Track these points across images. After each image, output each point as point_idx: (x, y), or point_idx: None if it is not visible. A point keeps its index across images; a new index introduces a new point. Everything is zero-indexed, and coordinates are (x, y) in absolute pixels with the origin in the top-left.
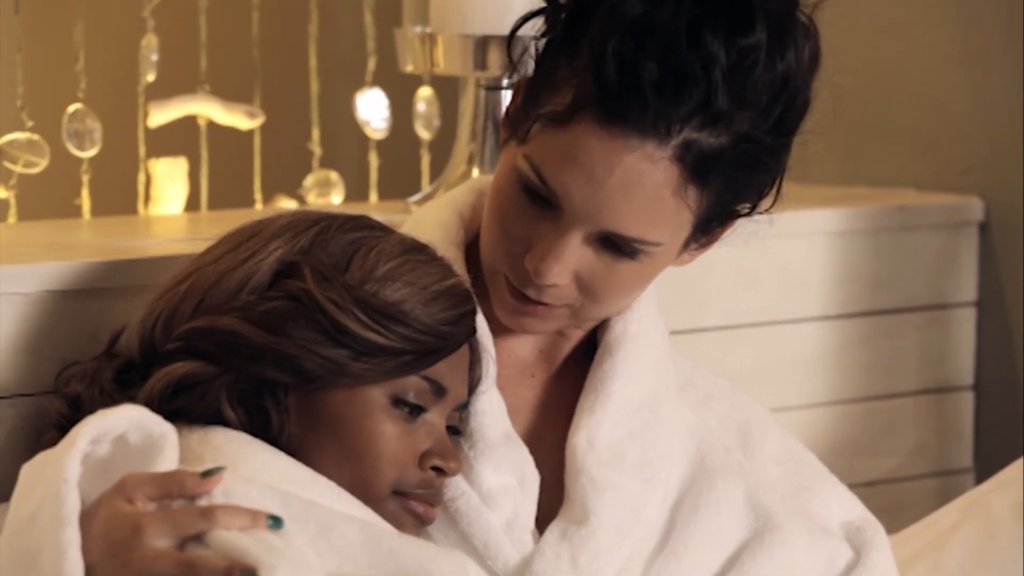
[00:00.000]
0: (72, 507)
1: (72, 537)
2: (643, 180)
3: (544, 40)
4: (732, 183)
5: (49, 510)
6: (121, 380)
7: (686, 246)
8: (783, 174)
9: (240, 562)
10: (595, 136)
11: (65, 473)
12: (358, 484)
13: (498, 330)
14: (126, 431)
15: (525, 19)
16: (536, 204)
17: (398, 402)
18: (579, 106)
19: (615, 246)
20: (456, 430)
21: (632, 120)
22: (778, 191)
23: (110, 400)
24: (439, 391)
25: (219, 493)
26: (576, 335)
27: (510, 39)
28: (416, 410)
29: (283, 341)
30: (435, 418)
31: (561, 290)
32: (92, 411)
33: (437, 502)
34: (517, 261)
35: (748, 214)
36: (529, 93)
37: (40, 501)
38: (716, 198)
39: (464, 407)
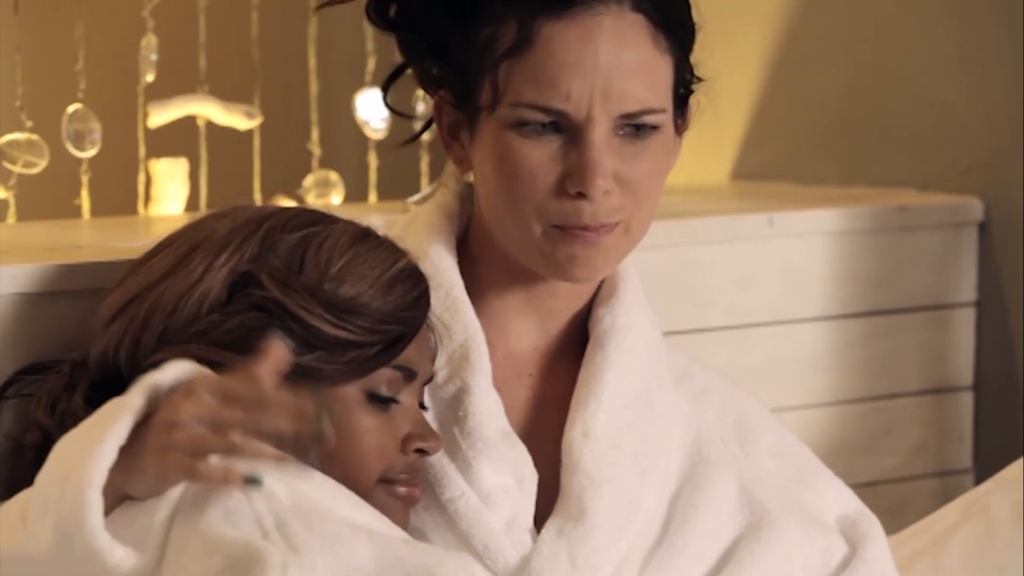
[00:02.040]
0: (131, 413)
1: (123, 428)
2: (625, 41)
3: (425, 57)
4: (682, 29)
5: (110, 411)
6: (92, 400)
7: (677, 130)
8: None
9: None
10: (564, 30)
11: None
12: (346, 481)
13: (494, 330)
14: None
15: (392, 79)
16: (547, 140)
17: (373, 397)
18: (530, 21)
19: (633, 128)
20: (423, 406)
21: None
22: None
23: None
24: (410, 376)
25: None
26: (568, 322)
27: (386, 95)
28: (392, 402)
29: (252, 356)
30: (408, 400)
31: (612, 198)
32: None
33: (419, 481)
34: (561, 200)
35: (691, 89)
36: (465, 71)
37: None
38: (678, 50)
39: (430, 381)
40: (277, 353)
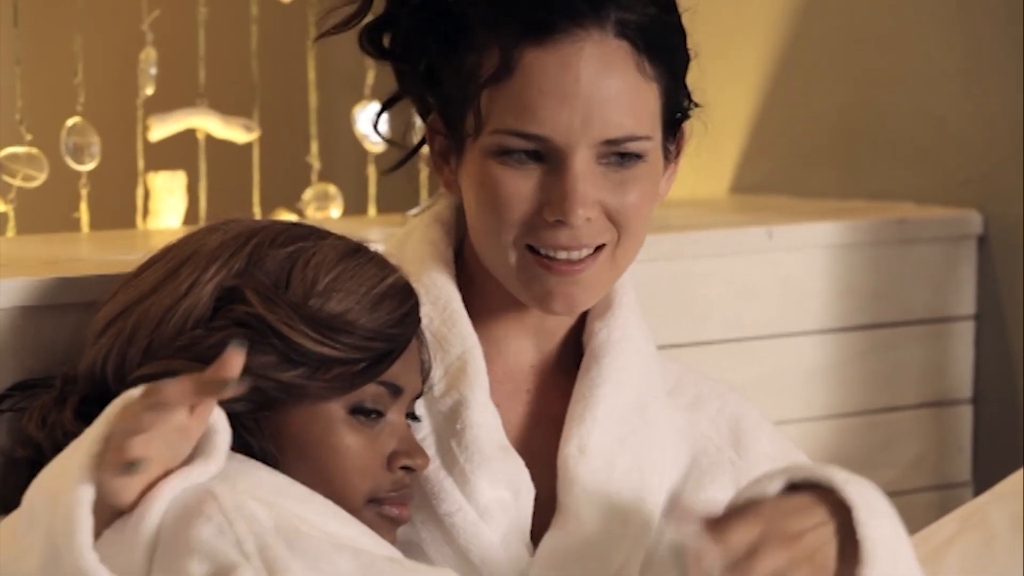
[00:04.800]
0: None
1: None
2: (607, 67)
3: (415, 80)
4: (671, 56)
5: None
6: (82, 413)
7: (667, 158)
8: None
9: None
10: (544, 57)
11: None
12: (333, 500)
13: (492, 346)
14: None
15: (387, 107)
16: (528, 169)
17: (357, 411)
18: (512, 48)
19: (617, 156)
20: (414, 416)
21: (564, 20)
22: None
23: (74, 438)
24: (396, 391)
25: (231, 507)
26: (563, 337)
27: (376, 122)
28: (376, 415)
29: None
30: (395, 417)
31: (594, 225)
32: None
33: (409, 499)
34: (542, 227)
35: (687, 113)
36: (453, 98)
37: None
38: (668, 76)
39: (420, 395)
40: (231, 361)
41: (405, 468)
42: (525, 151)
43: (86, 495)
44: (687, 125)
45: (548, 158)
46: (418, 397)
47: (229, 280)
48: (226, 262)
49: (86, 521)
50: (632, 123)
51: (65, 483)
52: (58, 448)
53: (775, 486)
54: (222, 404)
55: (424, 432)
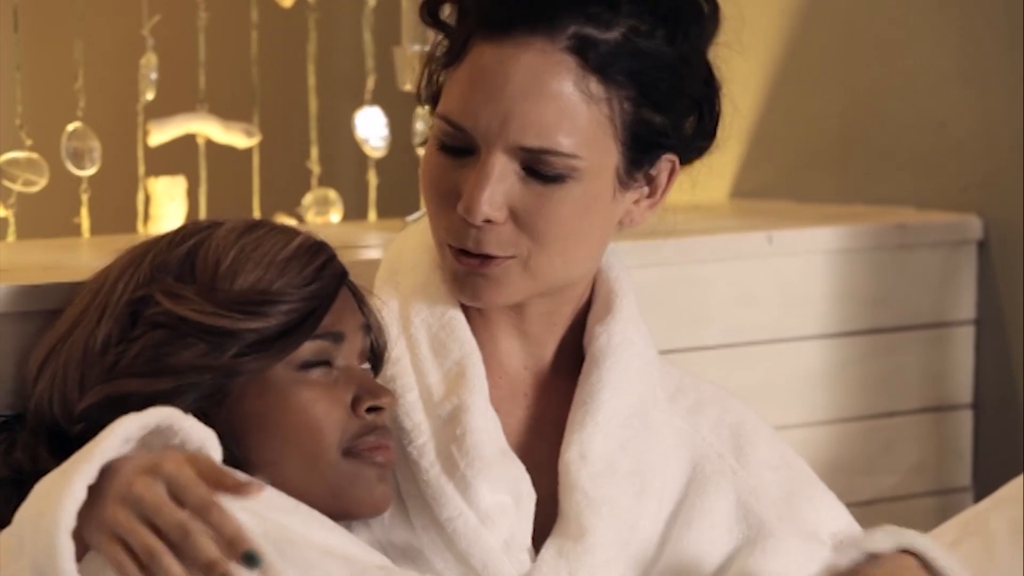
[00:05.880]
0: (101, 454)
1: (93, 468)
2: (541, 77)
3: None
4: (641, 85)
5: (85, 451)
6: (52, 448)
7: (625, 184)
8: (714, 110)
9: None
10: (487, 50)
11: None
12: (306, 460)
13: (489, 350)
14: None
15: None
16: (457, 158)
17: (303, 367)
18: (468, 36)
19: (537, 170)
20: (374, 355)
21: (516, 22)
22: (713, 131)
23: (48, 467)
24: (337, 339)
25: None
26: (562, 341)
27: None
28: (323, 364)
29: (171, 376)
30: (347, 362)
31: (499, 230)
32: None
33: (389, 439)
34: (453, 218)
35: (681, 153)
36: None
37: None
38: (631, 105)
39: (373, 355)
40: (254, 488)
41: (373, 410)
42: (458, 140)
43: (66, 520)
44: (674, 161)
45: (474, 153)
46: (371, 342)
47: (138, 292)
48: (131, 277)
49: (67, 547)
50: (556, 138)
51: (50, 506)
52: (37, 474)
53: (885, 546)
54: (170, 403)
55: (424, 437)
